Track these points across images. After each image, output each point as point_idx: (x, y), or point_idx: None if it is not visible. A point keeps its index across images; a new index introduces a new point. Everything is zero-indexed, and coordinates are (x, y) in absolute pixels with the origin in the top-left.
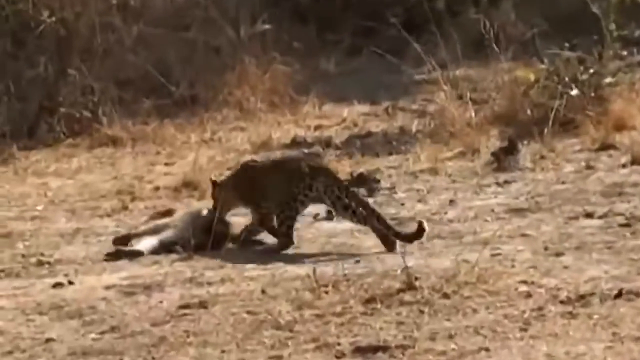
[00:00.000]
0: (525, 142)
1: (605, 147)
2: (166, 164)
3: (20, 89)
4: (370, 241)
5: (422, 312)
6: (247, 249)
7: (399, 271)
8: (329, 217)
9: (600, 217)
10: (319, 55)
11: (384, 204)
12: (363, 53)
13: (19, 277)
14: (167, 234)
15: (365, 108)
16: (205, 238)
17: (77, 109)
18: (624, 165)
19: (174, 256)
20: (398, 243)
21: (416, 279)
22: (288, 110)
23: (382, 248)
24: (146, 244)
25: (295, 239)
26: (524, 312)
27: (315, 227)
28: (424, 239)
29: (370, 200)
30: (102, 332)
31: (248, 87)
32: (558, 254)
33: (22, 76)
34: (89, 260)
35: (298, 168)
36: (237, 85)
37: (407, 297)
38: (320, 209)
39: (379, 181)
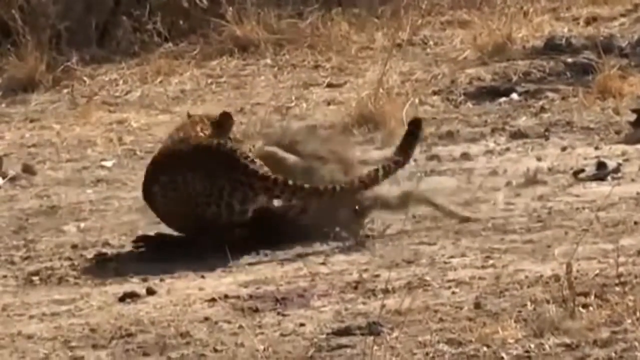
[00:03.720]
0: None
1: None
2: (330, 86)
3: None
4: None
5: None
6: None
7: None
8: (599, 174)
9: None
10: None
11: None
12: None
13: (65, 284)
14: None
15: None
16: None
17: None
18: None
19: (331, 244)
20: None
21: None
22: None
23: None
24: None
25: None
26: None
27: (576, 190)
28: None
29: None
30: None
31: None
32: None
33: None
34: (186, 253)
35: None
36: None
37: None
38: (585, 162)
39: None
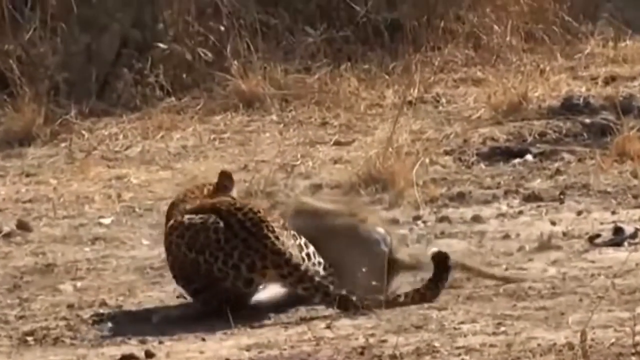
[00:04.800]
0: None
1: None
2: (338, 144)
3: (89, 9)
4: None
5: None
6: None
7: None
8: (615, 240)
9: None
10: None
11: None
12: None
13: (61, 345)
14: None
15: None
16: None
17: (187, 45)
18: None
19: (332, 310)
20: None
21: None
22: (558, 49)
23: None
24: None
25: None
26: None
27: (591, 256)
28: None
29: None
30: None
31: (489, 8)
32: None
33: None
34: (185, 316)
35: None
36: (469, 5)
37: None
38: (601, 227)
39: None
